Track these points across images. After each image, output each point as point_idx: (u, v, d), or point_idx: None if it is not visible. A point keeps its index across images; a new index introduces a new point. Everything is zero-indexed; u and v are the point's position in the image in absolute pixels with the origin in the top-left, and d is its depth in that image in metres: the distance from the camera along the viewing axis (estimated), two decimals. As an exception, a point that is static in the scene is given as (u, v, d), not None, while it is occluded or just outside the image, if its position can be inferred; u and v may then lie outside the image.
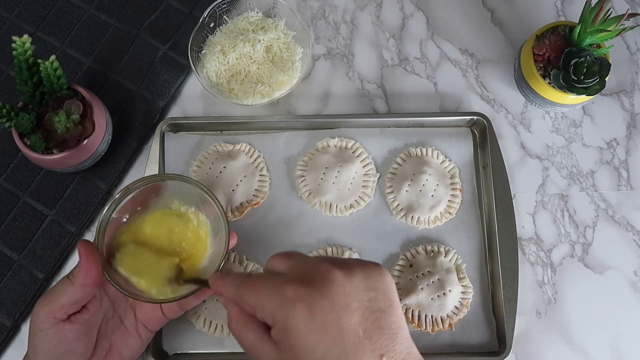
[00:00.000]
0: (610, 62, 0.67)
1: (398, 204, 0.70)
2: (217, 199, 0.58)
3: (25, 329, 0.68)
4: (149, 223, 0.60)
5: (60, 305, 0.54)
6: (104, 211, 0.57)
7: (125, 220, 0.59)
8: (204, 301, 0.66)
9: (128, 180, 0.73)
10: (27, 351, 0.57)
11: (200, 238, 0.60)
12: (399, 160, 0.71)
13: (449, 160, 0.71)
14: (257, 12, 0.75)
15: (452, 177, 0.71)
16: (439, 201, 0.69)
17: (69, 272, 0.55)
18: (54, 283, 0.69)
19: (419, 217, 0.69)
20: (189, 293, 0.56)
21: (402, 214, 0.70)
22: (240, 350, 0.66)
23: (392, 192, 0.70)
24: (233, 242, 0.62)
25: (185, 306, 0.61)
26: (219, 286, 0.50)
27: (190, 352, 0.67)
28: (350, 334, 0.40)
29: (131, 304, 0.60)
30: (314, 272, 0.42)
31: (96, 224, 0.57)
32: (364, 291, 0.42)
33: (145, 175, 0.70)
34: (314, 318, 0.40)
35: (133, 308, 0.60)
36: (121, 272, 0.57)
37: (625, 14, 0.64)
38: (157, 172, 0.70)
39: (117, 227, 0.59)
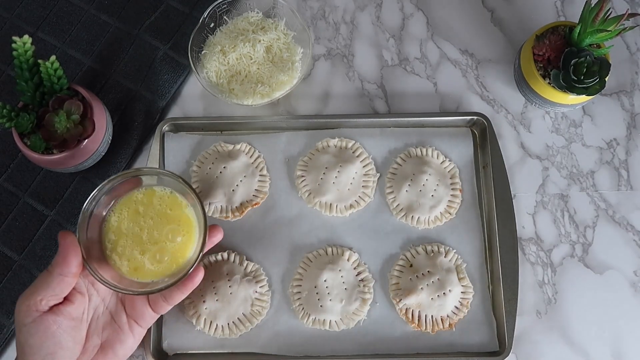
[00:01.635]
0: (610, 62, 0.67)
1: (398, 204, 0.70)
2: (193, 189, 0.59)
3: (25, 329, 0.68)
4: (133, 205, 0.61)
5: (40, 297, 0.54)
6: (84, 205, 0.58)
7: (106, 212, 0.61)
8: (203, 301, 0.66)
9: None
10: (17, 355, 0.56)
11: (189, 225, 0.61)
12: (399, 160, 0.71)
13: (449, 160, 0.71)
14: (257, 13, 0.75)
15: (452, 177, 0.71)
16: (439, 201, 0.69)
17: (50, 265, 0.56)
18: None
19: (419, 217, 0.69)
20: (170, 284, 0.57)
21: (402, 214, 0.70)
22: (240, 350, 0.66)
23: (392, 192, 0.70)
24: (218, 236, 0.63)
25: (171, 300, 0.61)
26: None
27: (190, 352, 0.67)
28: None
29: (121, 298, 0.61)
30: None
31: (79, 219, 0.58)
32: None
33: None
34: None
35: (123, 304, 0.60)
36: (114, 260, 0.59)
37: (625, 14, 0.64)
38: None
39: (101, 222, 0.60)
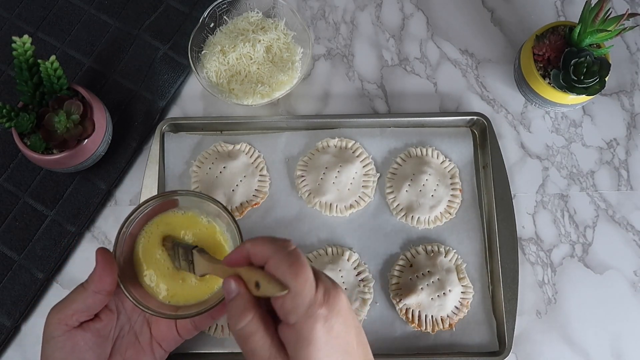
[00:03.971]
0: (610, 62, 0.67)
1: (398, 204, 0.70)
2: (230, 213, 0.57)
3: (25, 329, 0.68)
4: (172, 231, 0.58)
5: (72, 312, 0.53)
6: (122, 225, 0.56)
7: (142, 233, 0.58)
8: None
9: (128, 180, 0.73)
10: None
11: (223, 251, 0.58)
12: (399, 160, 0.71)
13: (449, 160, 0.71)
14: (257, 12, 0.75)
15: (452, 177, 0.71)
16: (439, 201, 0.69)
17: (85, 280, 0.54)
18: (54, 283, 0.69)
19: (419, 217, 0.69)
20: (203, 310, 0.55)
21: (402, 214, 0.70)
22: (240, 350, 0.66)
23: (392, 192, 0.70)
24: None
25: (200, 325, 0.59)
26: (255, 249, 0.47)
27: (190, 352, 0.67)
28: (351, 346, 0.47)
29: (147, 319, 0.59)
30: (333, 292, 0.46)
31: (114, 240, 0.56)
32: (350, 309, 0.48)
33: (145, 175, 0.70)
34: (331, 334, 0.45)
35: (149, 325, 0.59)
36: (146, 282, 0.57)
37: (625, 14, 0.64)
38: (157, 173, 0.70)
39: (135, 241, 0.58)
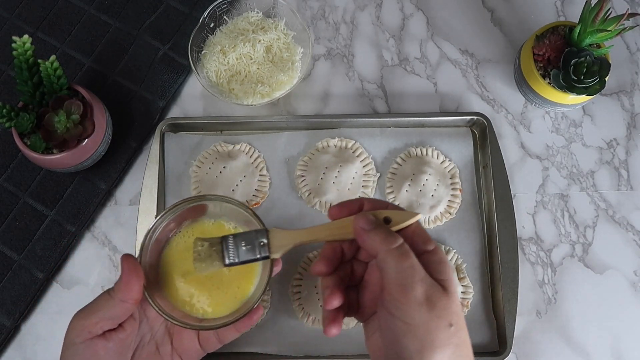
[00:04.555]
0: (610, 62, 0.67)
1: (398, 204, 0.70)
2: (259, 217, 0.55)
3: (25, 328, 0.68)
4: (203, 235, 0.57)
5: (97, 320, 0.52)
6: (148, 231, 0.55)
7: (169, 239, 0.58)
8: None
9: (128, 180, 0.73)
10: None
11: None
12: (399, 160, 0.71)
13: (449, 160, 0.71)
14: (257, 12, 0.75)
15: (452, 177, 0.71)
16: (439, 201, 0.69)
17: (110, 288, 0.53)
18: (54, 283, 0.69)
19: (419, 217, 0.69)
20: (229, 322, 0.54)
21: (402, 214, 0.70)
22: (240, 350, 0.66)
23: (392, 192, 0.70)
24: (277, 268, 0.57)
25: (224, 339, 0.58)
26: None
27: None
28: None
29: (169, 329, 0.57)
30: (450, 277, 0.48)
31: (139, 245, 0.55)
32: None
33: (145, 175, 0.70)
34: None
35: (170, 336, 0.57)
36: (172, 289, 0.56)
37: (625, 14, 0.64)
38: (157, 173, 0.70)
39: (161, 248, 0.57)
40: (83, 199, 0.71)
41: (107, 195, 0.72)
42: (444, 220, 0.70)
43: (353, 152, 0.71)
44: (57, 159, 0.65)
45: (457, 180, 0.71)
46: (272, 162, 0.72)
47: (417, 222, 0.50)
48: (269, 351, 0.66)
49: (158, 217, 0.55)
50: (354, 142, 0.72)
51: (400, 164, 0.71)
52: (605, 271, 0.70)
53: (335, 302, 0.49)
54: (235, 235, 0.53)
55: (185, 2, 0.78)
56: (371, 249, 0.48)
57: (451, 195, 0.70)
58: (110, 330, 0.53)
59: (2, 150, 0.73)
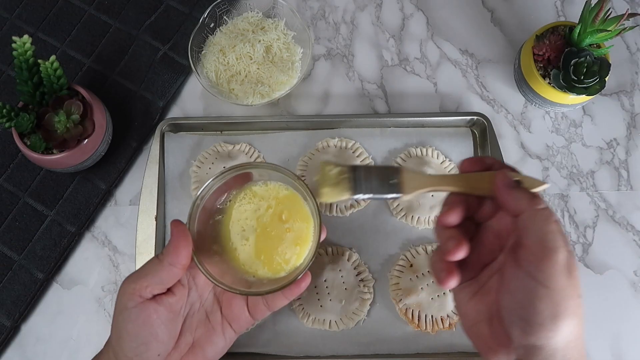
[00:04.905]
0: (610, 62, 0.67)
1: (398, 204, 0.70)
2: (310, 190, 0.54)
3: (24, 329, 0.68)
4: (256, 199, 0.58)
5: (147, 283, 0.52)
6: (196, 197, 0.55)
7: (219, 206, 0.58)
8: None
9: (128, 180, 0.73)
10: (110, 336, 0.54)
11: (307, 226, 0.57)
12: (399, 160, 0.71)
13: (449, 161, 0.71)
14: (257, 13, 0.75)
15: (452, 177, 0.71)
16: (439, 201, 0.69)
17: (160, 252, 0.54)
18: (54, 283, 0.69)
19: (419, 217, 0.69)
20: (277, 288, 0.54)
21: (402, 214, 0.70)
22: (240, 350, 0.66)
23: None
24: (324, 235, 0.58)
25: (273, 306, 0.58)
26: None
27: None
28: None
29: (217, 297, 0.58)
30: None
31: (189, 211, 0.55)
32: None
33: (145, 175, 0.70)
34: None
35: (219, 304, 0.58)
36: (222, 255, 0.56)
37: (625, 14, 0.64)
38: (157, 173, 0.70)
39: (212, 214, 0.58)
40: (83, 199, 0.71)
41: (107, 195, 0.72)
42: (444, 220, 0.70)
43: (353, 152, 0.71)
44: (57, 159, 0.65)
45: (457, 180, 0.71)
46: (272, 162, 0.72)
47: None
48: (269, 351, 0.66)
49: (205, 185, 0.55)
50: (354, 142, 0.72)
51: (400, 164, 0.71)
52: (605, 271, 0.70)
53: (462, 252, 0.47)
54: (367, 167, 0.50)
55: (185, 2, 0.78)
56: (515, 208, 0.46)
57: (451, 195, 0.70)
58: (160, 295, 0.53)
59: (2, 150, 0.73)
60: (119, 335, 0.52)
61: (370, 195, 0.49)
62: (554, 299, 0.43)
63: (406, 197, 0.50)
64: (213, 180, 0.55)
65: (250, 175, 0.58)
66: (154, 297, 0.53)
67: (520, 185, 0.47)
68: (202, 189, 0.55)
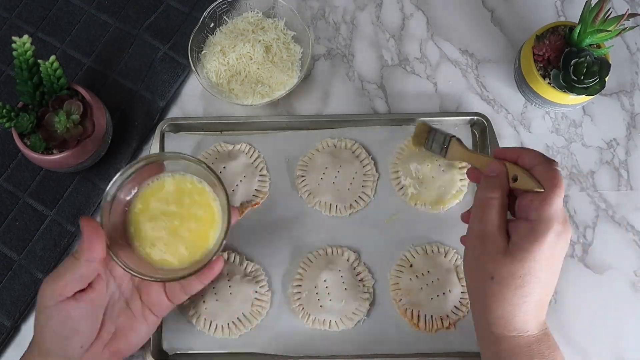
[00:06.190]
0: (610, 62, 0.67)
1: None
2: (218, 176, 0.58)
3: (25, 329, 0.68)
4: (161, 191, 0.60)
5: (66, 282, 0.54)
6: (107, 190, 0.57)
7: (130, 197, 0.60)
8: (203, 301, 0.66)
9: (128, 180, 0.73)
10: (34, 335, 0.56)
11: (212, 214, 0.60)
12: (397, 149, 0.72)
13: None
14: (257, 13, 0.75)
15: (452, 177, 0.71)
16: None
17: (74, 250, 0.55)
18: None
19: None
20: (189, 273, 0.57)
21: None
22: (240, 350, 0.66)
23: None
24: (235, 218, 0.62)
25: (189, 290, 0.61)
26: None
27: (190, 352, 0.67)
28: (557, 269, 0.56)
29: (136, 286, 0.60)
30: (569, 223, 0.54)
31: (101, 203, 0.57)
32: None
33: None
34: (554, 250, 0.53)
35: (139, 292, 0.60)
36: (136, 246, 0.59)
37: (625, 14, 0.64)
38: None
39: (124, 205, 0.60)
40: (83, 199, 0.71)
41: (107, 195, 0.72)
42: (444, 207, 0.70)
43: (353, 152, 0.71)
44: (57, 159, 0.65)
45: (457, 180, 0.71)
46: (272, 162, 0.72)
47: (544, 195, 0.53)
48: (269, 351, 0.66)
49: (115, 178, 0.57)
50: (354, 142, 0.72)
51: (454, 135, 0.71)
52: (605, 271, 0.70)
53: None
54: (439, 131, 0.67)
55: (185, 2, 0.78)
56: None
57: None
58: (80, 292, 0.55)
59: (2, 150, 0.73)
60: (42, 332, 0.55)
61: (433, 149, 0.67)
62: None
63: (447, 159, 0.67)
64: (123, 171, 0.58)
65: (162, 167, 0.61)
66: (74, 294, 0.55)
67: (515, 180, 0.55)
68: (113, 180, 0.57)
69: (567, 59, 0.67)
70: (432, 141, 0.66)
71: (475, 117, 0.72)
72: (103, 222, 0.56)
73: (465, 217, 0.62)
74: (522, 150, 0.57)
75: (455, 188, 0.69)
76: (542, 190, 0.53)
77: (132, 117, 0.74)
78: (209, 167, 0.58)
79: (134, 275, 0.56)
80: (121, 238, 0.59)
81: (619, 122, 0.75)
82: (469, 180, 0.69)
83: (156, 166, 0.60)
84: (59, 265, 0.56)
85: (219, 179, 0.58)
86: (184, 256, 0.59)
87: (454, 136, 0.65)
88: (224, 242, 0.57)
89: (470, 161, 0.63)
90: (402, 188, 0.70)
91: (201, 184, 0.61)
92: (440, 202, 0.69)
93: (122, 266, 0.56)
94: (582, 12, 0.66)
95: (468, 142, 0.72)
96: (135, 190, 0.60)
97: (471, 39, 0.78)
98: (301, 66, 0.74)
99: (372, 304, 0.67)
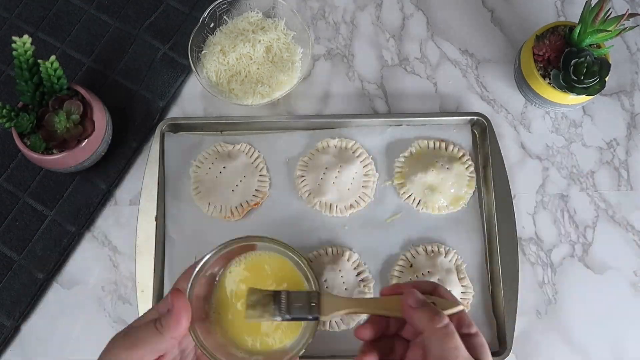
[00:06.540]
0: (610, 62, 0.67)
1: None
2: (309, 264, 0.55)
3: (25, 329, 0.68)
4: (257, 272, 0.56)
5: (144, 353, 0.51)
6: (199, 267, 0.53)
7: (218, 275, 0.56)
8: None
9: (128, 180, 0.73)
10: None
11: (302, 287, 0.56)
12: (406, 154, 0.72)
13: (459, 148, 0.71)
14: (257, 13, 0.75)
15: (452, 177, 0.71)
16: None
17: (157, 320, 0.51)
18: (54, 283, 0.69)
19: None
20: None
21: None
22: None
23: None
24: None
25: None
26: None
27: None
28: None
29: (198, 356, 0.56)
30: None
31: (190, 280, 0.53)
32: None
33: (145, 175, 0.70)
34: None
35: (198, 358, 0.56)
36: (217, 325, 0.55)
37: (625, 14, 0.64)
38: (157, 173, 0.70)
39: (212, 282, 0.56)
40: (83, 199, 0.71)
41: (107, 195, 0.72)
42: (446, 212, 0.70)
43: (353, 152, 0.71)
44: (57, 159, 0.65)
45: (457, 180, 0.71)
46: (272, 162, 0.72)
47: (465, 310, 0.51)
48: (268, 351, 0.66)
49: (207, 257, 0.54)
50: (354, 142, 0.72)
51: (318, 291, 0.69)
52: (605, 271, 0.70)
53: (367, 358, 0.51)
54: (288, 293, 0.53)
55: (185, 2, 0.78)
56: (418, 326, 0.50)
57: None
58: None
59: (2, 150, 0.73)
60: None
61: (292, 317, 0.52)
62: None
63: (324, 319, 0.53)
64: (215, 251, 0.54)
65: (254, 247, 0.57)
66: None
67: (430, 306, 0.50)
68: (205, 258, 0.54)
69: (567, 59, 0.67)
70: (282, 305, 0.53)
71: (475, 117, 0.72)
72: (190, 296, 0.52)
73: (360, 332, 0.53)
74: (407, 284, 0.54)
75: (465, 179, 0.69)
76: (463, 307, 0.51)
77: (132, 117, 0.74)
78: (308, 263, 0.55)
79: (208, 357, 0.52)
80: (202, 311, 0.55)
81: (619, 122, 0.75)
82: (473, 167, 0.70)
83: (248, 246, 0.56)
84: (136, 328, 0.52)
85: (313, 276, 0.54)
86: (261, 346, 0.55)
87: (317, 291, 0.54)
88: (306, 344, 0.53)
89: (363, 308, 0.53)
90: (418, 203, 0.70)
91: (297, 273, 0.56)
92: (459, 199, 0.70)
93: (203, 350, 0.52)
94: (582, 12, 0.66)
95: (468, 142, 0.72)
96: (223, 267, 0.56)
97: (471, 39, 0.78)
98: (301, 66, 0.74)
99: (372, 304, 0.67)
